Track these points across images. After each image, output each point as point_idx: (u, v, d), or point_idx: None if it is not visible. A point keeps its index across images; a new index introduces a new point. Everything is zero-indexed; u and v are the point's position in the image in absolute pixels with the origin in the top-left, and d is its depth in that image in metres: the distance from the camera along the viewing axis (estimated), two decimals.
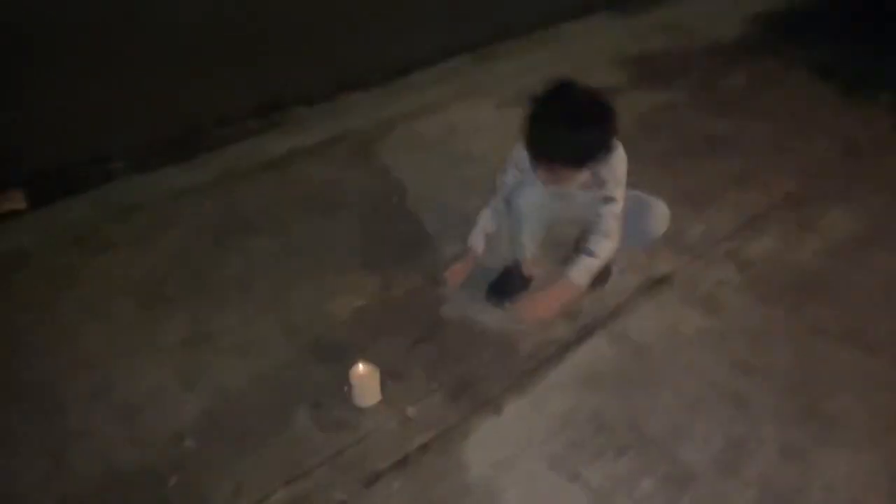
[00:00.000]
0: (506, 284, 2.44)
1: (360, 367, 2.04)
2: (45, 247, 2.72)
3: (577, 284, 2.11)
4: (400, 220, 2.89)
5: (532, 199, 2.16)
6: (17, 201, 2.05)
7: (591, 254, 2.07)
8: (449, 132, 3.46)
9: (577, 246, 2.30)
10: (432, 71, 4.06)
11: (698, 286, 2.50)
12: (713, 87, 3.96)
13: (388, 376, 2.10)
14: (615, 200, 2.04)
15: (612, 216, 2.05)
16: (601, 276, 2.48)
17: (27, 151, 2.91)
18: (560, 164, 1.89)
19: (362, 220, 2.87)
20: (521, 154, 2.06)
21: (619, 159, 2.00)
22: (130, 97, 3.05)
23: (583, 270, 2.09)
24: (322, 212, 2.93)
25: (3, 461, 1.90)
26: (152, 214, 2.93)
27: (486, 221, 2.28)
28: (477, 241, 2.29)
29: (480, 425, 2.00)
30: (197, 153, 3.30)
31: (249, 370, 2.18)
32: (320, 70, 3.72)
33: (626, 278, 2.53)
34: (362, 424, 2.00)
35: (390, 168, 3.25)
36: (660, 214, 2.26)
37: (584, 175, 2.00)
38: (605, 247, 2.08)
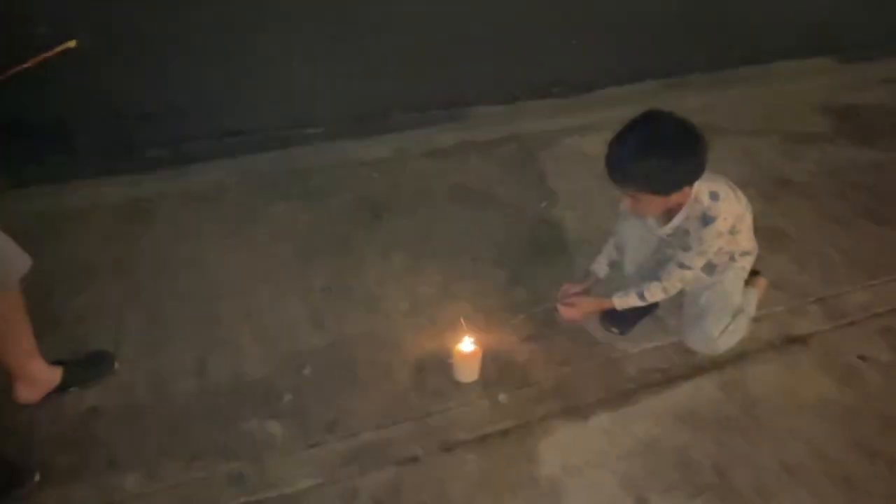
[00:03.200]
0: (620, 312, 2.41)
1: (466, 346, 2.18)
2: (238, 186, 3.22)
3: (612, 307, 2.20)
4: (543, 225, 2.99)
5: (624, 228, 2.28)
6: (69, 43, 2.26)
7: (641, 296, 2.13)
8: None
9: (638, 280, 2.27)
10: (614, 91, 4.09)
11: (838, 355, 2.31)
12: None
13: (491, 361, 2.22)
14: (689, 268, 2.06)
15: (678, 278, 2.09)
16: None
17: (246, 111, 3.44)
18: (626, 187, 1.89)
19: (507, 218, 3.01)
20: None
21: (713, 232, 1.96)
22: (333, 76, 3.47)
23: (624, 302, 2.17)
24: (472, 203, 3.12)
25: (157, 352, 2.31)
26: (329, 178, 3.31)
27: (609, 250, 2.36)
28: (599, 266, 2.36)
29: (563, 427, 2.04)
30: (378, 133, 3.66)
31: (372, 325, 2.42)
32: (506, 75, 3.92)
33: (759, 327, 2.41)
34: (455, 397, 2.14)
35: (547, 175, 3.36)
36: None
37: (656, 206, 1.95)
38: (656, 296, 2.14)
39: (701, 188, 1.95)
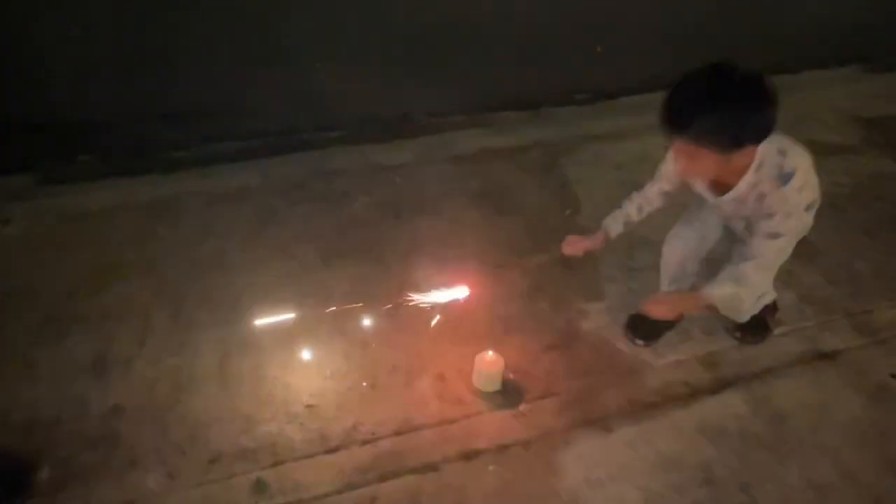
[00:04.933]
0: (646, 322, 2.36)
1: (488, 354, 2.16)
2: (262, 188, 3.23)
3: (705, 302, 1.99)
4: (566, 233, 2.94)
5: (673, 237, 2.19)
6: None
7: (736, 280, 1.90)
8: (639, 159, 3.44)
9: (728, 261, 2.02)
10: (639, 99, 4.04)
11: (869, 373, 2.26)
12: None
13: (512, 371, 2.20)
14: (780, 235, 1.82)
15: (773, 250, 1.85)
16: (758, 334, 2.35)
17: (271, 114, 3.46)
18: (685, 139, 1.67)
19: (529, 224, 2.99)
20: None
21: (792, 190, 1.75)
22: (357, 81, 3.48)
23: (717, 293, 1.94)
24: (495, 208, 3.10)
25: (180, 352, 2.32)
26: (352, 181, 3.31)
27: (630, 209, 2.19)
28: (613, 224, 2.21)
29: (586, 440, 2.02)
30: (401, 137, 3.66)
31: (391, 331, 2.41)
32: (530, 81, 3.90)
33: (787, 342, 2.36)
34: (476, 406, 2.12)
35: (571, 182, 3.33)
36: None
37: (712, 166, 1.73)
38: (753, 279, 1.90)
39: (767, 147, 1.75)
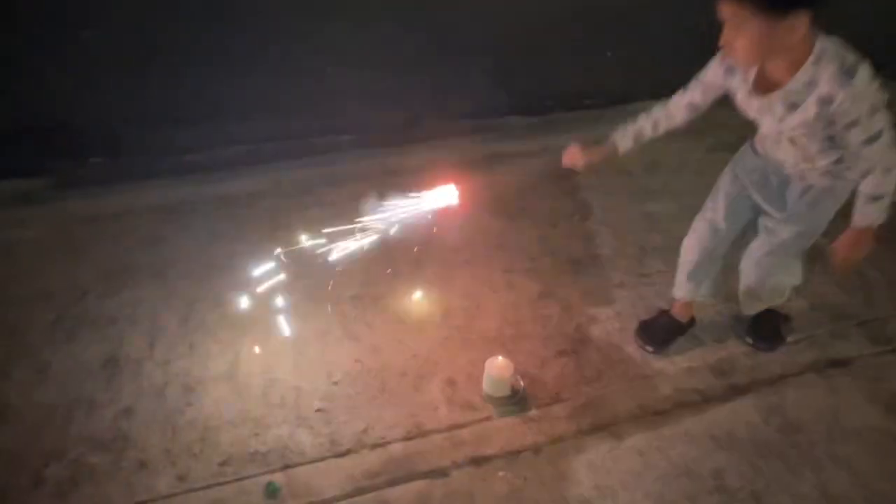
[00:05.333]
0: (656, 328, 2.37)
1: (498, 359, 2.15)
2: (273, 192, 3.24)
3: (866, 227, 1.79)
4: (575, 238, 2.95)
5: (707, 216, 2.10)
6: None
7: (873, 198, 1.70)
8: (650, 166, 3.44)
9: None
10: (649, 104, 4.02)
11: (883, 381, 2.24)
12: None
13: (522, 376, 2.20)
14: (881, 133, 1.58)
15: (882, 149, 1.60)
16: (771, 340, 2.34)
17: (281, 119, 3.48)
18: None
19: (540, 230, 2.99)
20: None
21: (863, 82, 1.51)
22: (366, 86, 3.49)
23: (868, 214, 1.75)
24: (505, 215, 3.09)
25: (190, 355, 2.33)
26: (362, 186, 3.30)
27: (645, 124, 2.04)
28: (622, 138, 2.05)
29: (596, 447, 2.01)
30: (410, 142, 3.65)
31: (401, 335, 2.40)
32: (539, 86, 3.90)
33: (799, 350, 2.35)
34: (486, 411, 2.12)
35: (581, 188, 3.32)
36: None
37: (758, 37, 1.51)
38: (889, 182, 1.67)
39: (825, 42, 1.56)
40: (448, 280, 2.68)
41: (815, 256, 2.73)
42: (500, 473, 1.93)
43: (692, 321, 2.39)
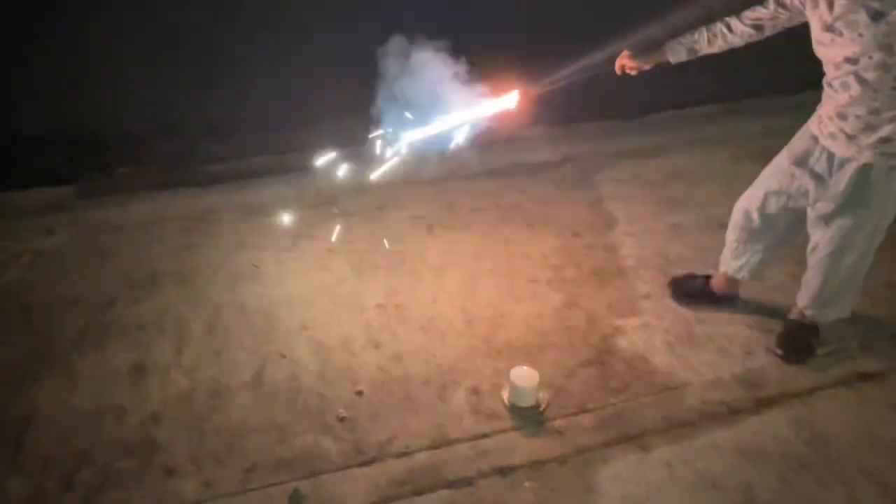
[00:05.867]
0: (686, 284, 2.51)
1: (523, 369, 2.15)
2: (296, 201, 3.28)
3: None
4: (599, 248, 2.94)
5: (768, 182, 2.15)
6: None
7: None
8: (672, 176, 3.43)
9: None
10: (672, 115, 4.03)
11: None
12: None
13: (548, 386, 2.19)
14: None
15: None
16: (801, 352, 2.31)
17: (305, 128, 3.52)
18: None
19: (563, 239, 2.98)
20: None
21: None
22: None
23: None
24: (528, 224, 3.10)
25: (216, 362, 2.35)
26: (386, 195, 3.34)
27: (700, 38, 2.14)
28: (676, 48, 2.18)
29: (623, 458, 1.99)
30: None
31: (426, 344, 2.41)
32: (562, 96, 3.89)
33: (829, 362, 2.31)
34: (510, 421, 2.11)
35: (604, 199, 3.31)
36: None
37: None
38: None
39: None
40: (471, 289, 2.68)
41: None
42: (526, 484, 1.91)
43: (732, 297, 2.49)
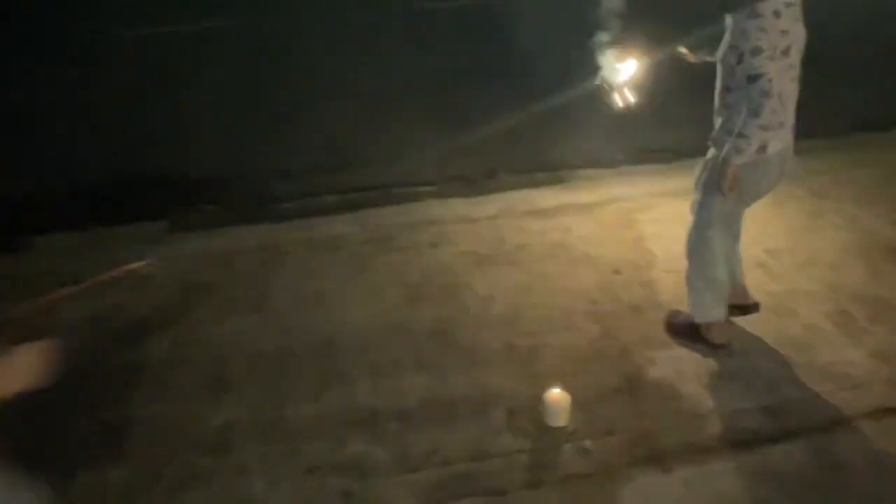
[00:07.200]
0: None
1: (556, 391, 2.35)
2: (358, 237, 3.61)
3: (729, 163, 2.24)
4: (637, 285, 3.11)
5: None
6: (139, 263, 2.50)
7: (740, 135, 2.18)
8: None
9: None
10: None
11: None
12: None
13: (579, 408, 2.38)
14: (760, 76, 2.04)
15: (757, 93, 2.07)
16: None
17: (367, 170, 3.89)
18: None
19: (603, 276, 3.17)
20: None
21: (754, 27, 2.03)
22: (446, 140, 3.85)
23: (733, 151, 2.21)
24: (570, 261, 3.31)
25: (283, 377, 2.65)
26: (439, 232, 3.63)
27: None
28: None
29: (645, 477, 2.14)
30: (485, 192, 3.97)
31: (470, 367, 2.64)
32: (608, 140, 4.13)
33: (856, 397, 2.40)
34: (543, 439, 2.30)
35: (646, 238, 3.49)
36: None
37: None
38: (752, 127, 2.14)
39: None
40: (514, 318, 2.90)
41: (876, 306, 2.79)
42: (554, 496, 2.10)
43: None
